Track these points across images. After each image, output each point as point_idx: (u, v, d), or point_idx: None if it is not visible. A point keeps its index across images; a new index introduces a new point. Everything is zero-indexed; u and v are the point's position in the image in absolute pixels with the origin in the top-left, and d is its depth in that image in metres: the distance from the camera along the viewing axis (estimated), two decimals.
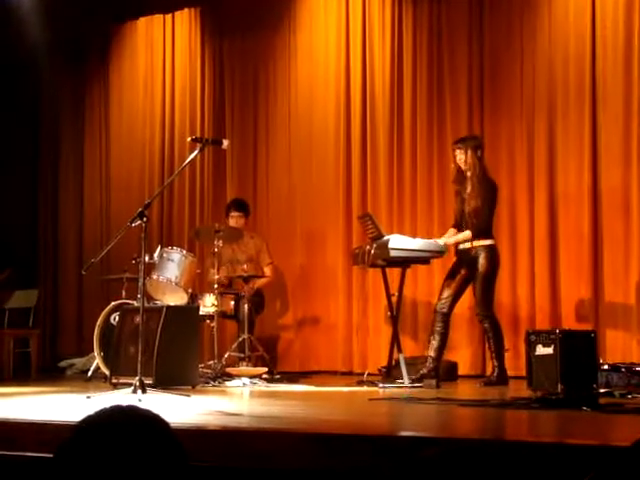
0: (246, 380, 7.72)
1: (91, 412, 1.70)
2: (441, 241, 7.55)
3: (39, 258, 11.52)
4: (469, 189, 7.50)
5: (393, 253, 7.35)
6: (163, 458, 1.65)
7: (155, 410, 1.75)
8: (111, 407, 1.71)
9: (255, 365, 8.28)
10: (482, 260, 7.38)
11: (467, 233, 7.46)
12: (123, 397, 5.91)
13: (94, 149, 11.36)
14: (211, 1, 10.72)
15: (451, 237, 7.58)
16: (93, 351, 8.24)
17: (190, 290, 7.88)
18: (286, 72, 10.10)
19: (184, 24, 10.83)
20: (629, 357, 7.61)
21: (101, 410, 1.70)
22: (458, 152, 7.57)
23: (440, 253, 7.54)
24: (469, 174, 7.53)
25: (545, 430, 4.63)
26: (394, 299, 7.63)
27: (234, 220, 8.99)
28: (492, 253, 7.45)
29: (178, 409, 5.07)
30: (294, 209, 9.90)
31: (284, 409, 5.54)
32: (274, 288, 9.58)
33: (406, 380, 7.24)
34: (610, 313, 8.13)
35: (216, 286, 8.16)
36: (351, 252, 8.32)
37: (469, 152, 7.50)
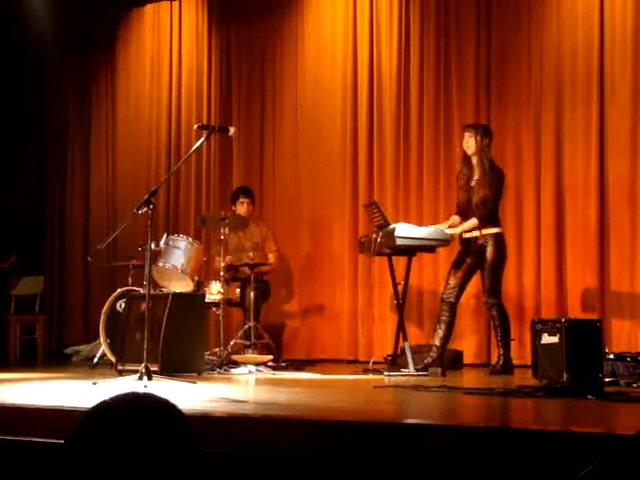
0: (252, 367, 7.73)
1: (106, 397, 1.69)
2: (448, 230, 7.53)
3: (46, 245, 11.54)
4: (477, 177, 7.48)
5: (399, 241, 7.35)
6: (176, 447, 1.65)
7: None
8: (127, 393, 1.71)
9: (261, 353, 8.30)
10: (490, 248, 7.36)
11: (474, 221, 7.43)
12: (129, 384, 5.93)
13: (101, 136, 11.36)
14: None
15: (457, 227, 7.55)
16: (99, 338, 8.26)
17: (196, 277, 7.88)
18: (293, 59, 10.09)
19: (191, 11, 10.82)
20: (634, 346, 7.61)
21: (117, 395, 1.70)
22: (467, 135, 7.54)
23: (446, 242, 7.54)
24: (475, 160, 7.51)
25: (550, 418, 4.63)
26: (400, 287, 7.62)
27: (244, 206, 8.99)
28: (500, 241, 7.44)
29: (184, 396, 5.08)
30: (300, 197, 9.90)
31: (289, 396, 5.55)
32: (280, 276, 9.59)
33: (411, 368, 7.25)
34: (616, 302, 8.13)
35: (222, 273, 8.17)
36: (357, 240, 8.32)
37: (478, 138, 7.48)
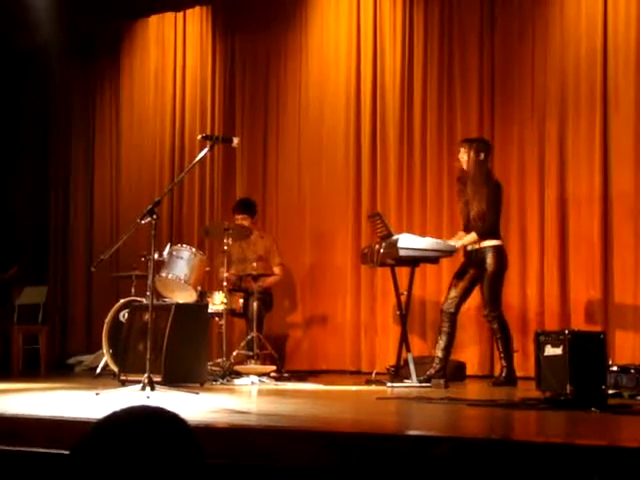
0: (254, 378, 7.73)
1: (117, 408, 1.69)
2: (452, 242, 7.54)
3: (49, 255, 11.56)
4: (470, 192, 7.49)
5: (402, 252, 7.34)
6: (184, 461, 1.64)
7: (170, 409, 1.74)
8: (137, 405, 1.71)
9: (263, 363, 8.29)
10: (489, 260, 7.37)
11: (473, 236, 7.45)
12: (131, 394, 5.92)
13: (104, 147, 11.39)
14: None
15: (458, 240, 7.57)
16: (102, 348, 8.25)
17: (199, 288, 7.88)
18: (297, 71, 10.11)
19: (195, 22, 10.85)
20: (638, 358, 7.59)
21: (127, 407, 1.69)
22: (462, 150, 7.58)
23: (449, 253, 7.53)
24: (470, 175, 7.52)
25: (553, 431, 4.62)
26: (403, 298, 7.61)
27: (239, 223, 8.94)
28: (499, 253, 7.44)
29: (186, 407, 5.07)
30: (303, 208, 9.90)
31: (292, 407, 5.54)
32: (283, 287, 9.59)
33: (414, 379, 7.24)
34: (619, 314, 8.11)
35: (225, 284, 8.17)
36: (360, 251, 8.31)
37: (471, 153, 7.50)
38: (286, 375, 8.27)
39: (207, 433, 3.82)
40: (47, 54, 11.21)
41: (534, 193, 8.62)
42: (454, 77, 9.15)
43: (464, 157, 7.53)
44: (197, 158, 7.01)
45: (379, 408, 5.71)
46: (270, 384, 7.69)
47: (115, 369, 7.69)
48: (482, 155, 7.51)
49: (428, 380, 7.26)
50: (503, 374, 7.36)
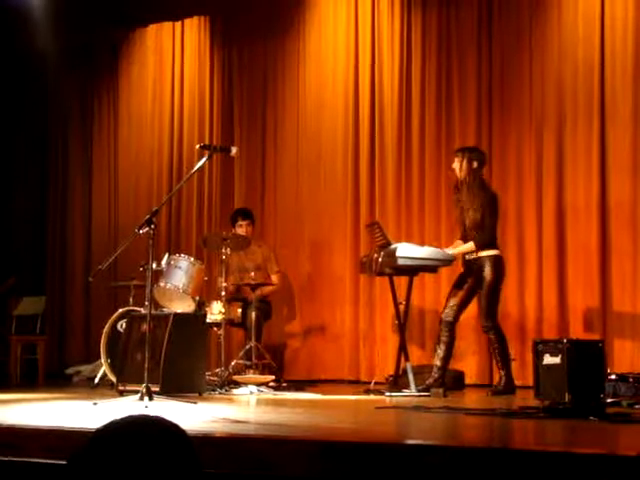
0: (253, 388, 7.71)
1: (116, 417, 1.69)
2: (449, 251, 7.55)
3: (47, 265, 11.54)
4: (465, 200, 7.50)
5: (401, 261, 7.34)
6: (181, 471, 1.64)
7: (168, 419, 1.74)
8: (137, 415, 1.70)
9: (262, 373, 8.28)
10: (487, 270, 7.36)
11: (470, 245, 7.45)
12: (130, 404, 5.91)
13: (102, 156, 11.38)
14: (220, 9, 10.75)
15: (454, 249, 7.56)
16: (100, 358, 8.25)
17: (197, 298, 7.87)
18: (295, 80, 10.12)
19: (193, 31, 10.86)
20: (637, 367, 7.59)
21: (126, 416, 1.69)
22: (455, 159, 7.59)
23: (448, 262, 7.53)
24: (465, 184, 7.53)
25: (552, 439, 4.61)
26: (401, 307, 7.61)
27: (243, 229, 8.96)
28: (497, 263, 7.43)
29: (185, 416, 5.07)
30: (302, 217, 9.90)
31: (290, 417, 5.53)
32: (281, 296, 9.58)
33: (413, 389, 7.23)
34: (618, 323, 8.11)
35: (223, 293, 8.17)
36: (359, 260, 8.32)
37: (464, 162, 7.51)
38: (285, 385, 8.26)
39: (205, 443, 3.81)
40: (45, 64, 11.20)
41: (532, 202, 8.62)
42: (452, 87, 9.16)
43: (457, 165, 7.55)
44: (195, 167, 7.01)
45: (378, 417, 5.70)
46: (269, 394, 7.68)
47: (113, 379, 7.68)
48: (475, 164, 7.51)
49: (427, 389, 7.25)
50: (502, 383, 7.36)
